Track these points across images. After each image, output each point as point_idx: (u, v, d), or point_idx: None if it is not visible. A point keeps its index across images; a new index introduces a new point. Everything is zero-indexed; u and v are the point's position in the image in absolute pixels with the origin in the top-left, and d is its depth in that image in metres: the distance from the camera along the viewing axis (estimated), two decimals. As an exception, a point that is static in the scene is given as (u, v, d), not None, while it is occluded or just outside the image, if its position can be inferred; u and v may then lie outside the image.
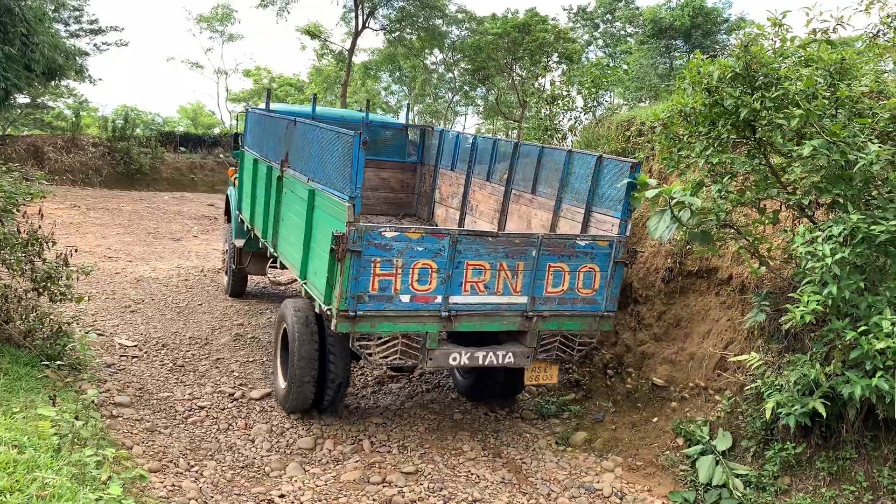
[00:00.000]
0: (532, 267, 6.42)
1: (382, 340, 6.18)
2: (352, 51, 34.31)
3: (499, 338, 6.92)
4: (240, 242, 10.69)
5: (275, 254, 8.42)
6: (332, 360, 6.79)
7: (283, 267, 8.69)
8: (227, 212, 12.35)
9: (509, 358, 6.63)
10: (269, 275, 11.56)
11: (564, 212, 7.64)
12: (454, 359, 6.45)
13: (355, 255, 5.80)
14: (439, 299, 6.21)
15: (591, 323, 6.82)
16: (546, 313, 6.60)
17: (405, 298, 6.11)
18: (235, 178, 11.40)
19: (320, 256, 6.42)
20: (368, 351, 6.17)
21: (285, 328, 7.17)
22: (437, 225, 10.53)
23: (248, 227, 9.97)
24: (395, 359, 6.27)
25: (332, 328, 6.10)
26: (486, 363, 6.58)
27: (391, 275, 5.98)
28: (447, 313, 6.25)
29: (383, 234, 5.89)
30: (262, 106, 10.64)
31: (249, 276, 11.66)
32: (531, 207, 8.29)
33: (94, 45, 30.26)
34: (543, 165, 8.11)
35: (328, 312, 6.15)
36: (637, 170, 6.56)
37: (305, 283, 6.95)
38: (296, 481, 6.02)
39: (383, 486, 6.02)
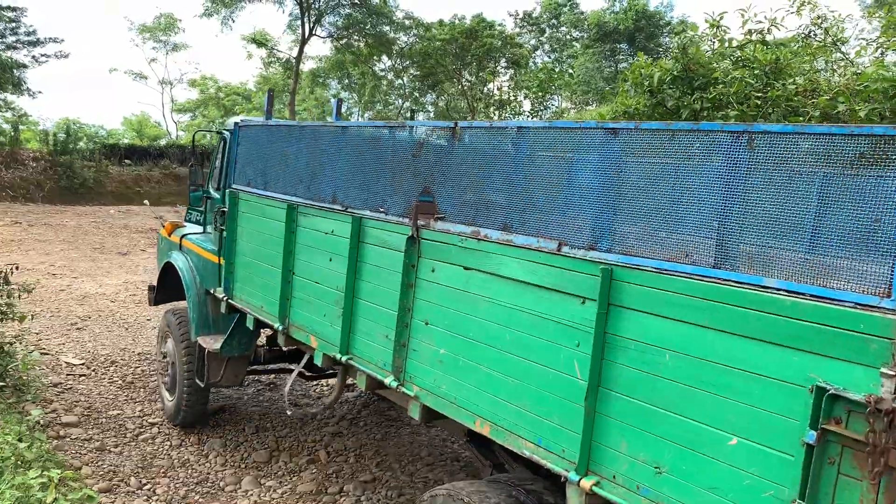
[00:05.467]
0: None
1: None
2: (299, 58, 34.18)
3: None
4: (214, 343, 6.37)
5: (403, 390, 4.04)
6: None
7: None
8: (160, 290, 7.84)
9: None
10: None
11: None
12: None
13: None
14: None
15: None
16: None
17: None
18: (180, 237, 7.33)
19: (707, 448, 2.61)
20: None
21: None
22: None
23: (260, 322, 5.80)
24: None
25: None
26: None
27: None
28: None
29: None
30: (259, 118, 6.89)
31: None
32: None
33: (33, 56, 29.56)
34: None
35: None
36: None
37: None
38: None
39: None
